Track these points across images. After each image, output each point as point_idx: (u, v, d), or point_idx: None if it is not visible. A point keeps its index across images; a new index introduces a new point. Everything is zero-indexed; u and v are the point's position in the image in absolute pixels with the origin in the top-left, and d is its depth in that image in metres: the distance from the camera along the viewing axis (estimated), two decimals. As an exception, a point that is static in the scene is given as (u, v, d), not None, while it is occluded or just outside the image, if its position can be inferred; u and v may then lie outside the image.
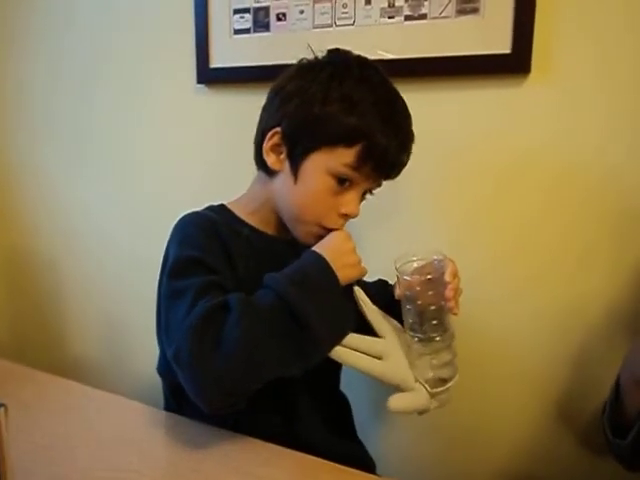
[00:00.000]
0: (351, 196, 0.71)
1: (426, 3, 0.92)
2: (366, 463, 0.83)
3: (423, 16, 0.93)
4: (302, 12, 1.01)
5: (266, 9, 1.04)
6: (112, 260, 1.34)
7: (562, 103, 0.88)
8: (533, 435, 0.98)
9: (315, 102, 0.69)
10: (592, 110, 0.87)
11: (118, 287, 1.34)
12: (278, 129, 0.71)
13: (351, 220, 0.74)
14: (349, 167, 0.69)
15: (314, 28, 1.01)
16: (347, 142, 0.68)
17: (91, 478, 0.60)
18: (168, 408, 0.79)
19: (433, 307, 0.66)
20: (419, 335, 0.67)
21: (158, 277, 0.72)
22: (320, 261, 0.65)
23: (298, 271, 0.64)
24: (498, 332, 0.97)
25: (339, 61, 0.72)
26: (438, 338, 0.67)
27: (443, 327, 0.67)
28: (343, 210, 0.71)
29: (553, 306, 0.93)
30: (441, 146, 0.95)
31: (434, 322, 0.67)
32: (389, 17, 0.95)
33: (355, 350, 0.66)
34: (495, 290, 0.96)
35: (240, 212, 0.78)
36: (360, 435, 0.87)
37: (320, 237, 0.71)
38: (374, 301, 0.71)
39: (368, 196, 0.76)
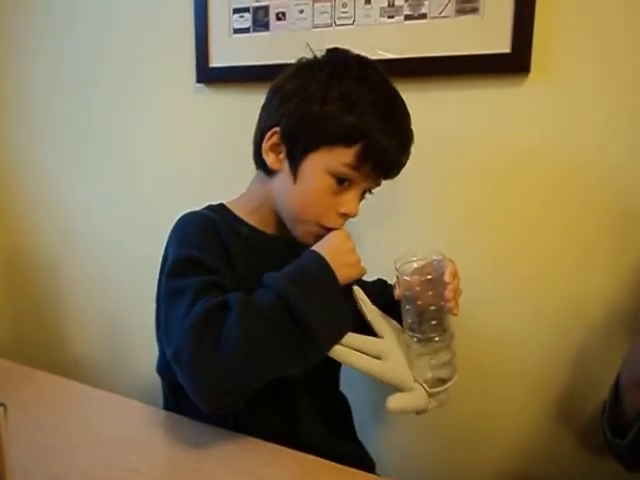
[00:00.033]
0: (350, 196, 0.71)
1: (426, 3, 0.92)
2: (366, 463, 0.83)
3: (423, 16, 0.93)
4: (302, 11, 1.01)
5: (266, 8, 1.04)
6: (112, 260, 1.34)
7: (562, 103, 0.88)
8: (533, 435, 0.98)
9: (314, 101, 0.68)
10: (592, 110, 0.87)
11: (118, 287, 1.34)
12: (277, 128, 0.71)
13: (350, 220, 0.74)
14: (348, 167, 0.69)
15: (314, 27, 1.01)
16: (346, 141, 0.68)
17: (91, 477, 0.60)
18: (167, 408, 0.79)
19: (433, 307, 0.66)
20: (418, 335, 0.67)
21: (157, 277, 0.72)
22: (319, 261, 0.65)
23: (298, 271, 0.64)
24: (498, 332, 0.97)
25: (338, 60, 0.72)
26: (437, 338, 0.67)
27: (442, 327, 0.67)
28: (342, 210, 0.71)
29: (553, 306, 0.93)
30: (441, 146, 0.95)
31: (433, 322, 0.67)
32: (389, 17, 0.95)
33: (354, 350, 0.66)
34: (495, 290, 0.96)
35: (239, 212, 0.77)
36: (360, 435, 0.87)
37: (319, 236, 0.71)
38: (373, 301, 0.71)
39: (367, 196, 0.76)
